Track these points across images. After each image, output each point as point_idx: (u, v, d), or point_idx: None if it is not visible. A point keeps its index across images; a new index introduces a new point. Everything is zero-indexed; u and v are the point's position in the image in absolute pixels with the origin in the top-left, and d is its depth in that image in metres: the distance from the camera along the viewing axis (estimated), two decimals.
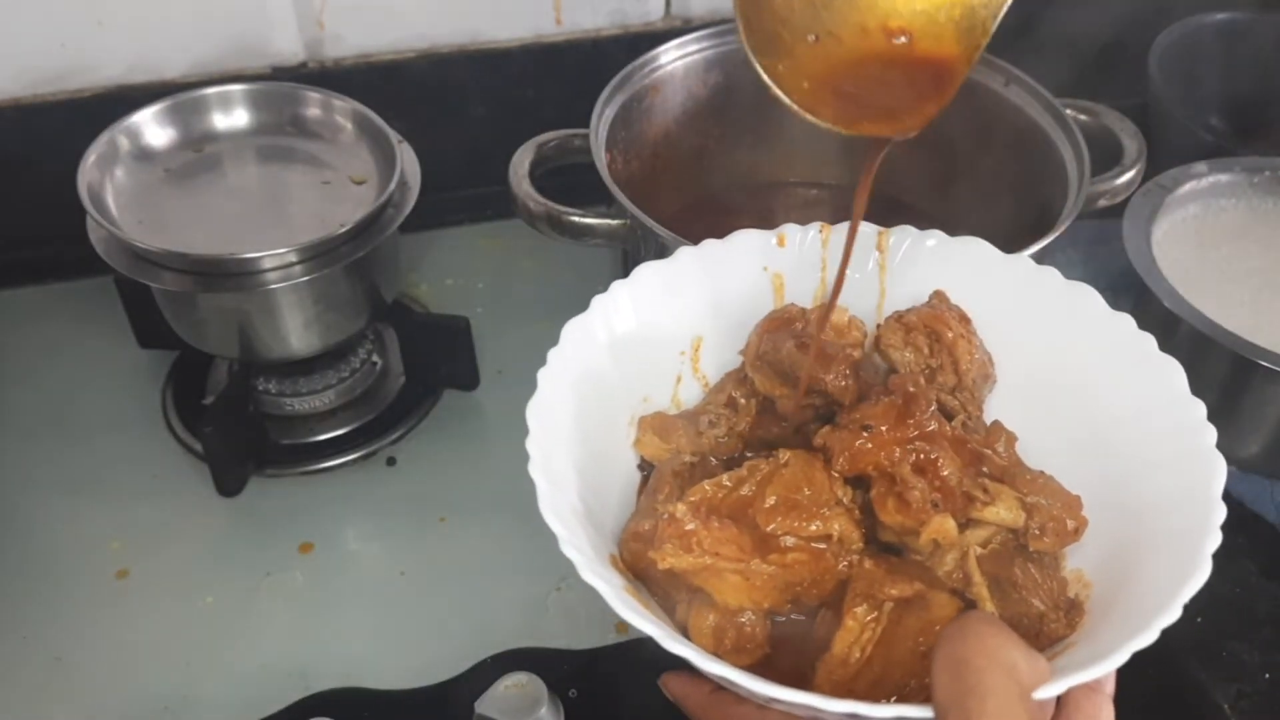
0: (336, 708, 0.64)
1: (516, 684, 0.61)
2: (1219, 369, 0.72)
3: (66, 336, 0.88)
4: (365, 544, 0.76)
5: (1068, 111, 0.80)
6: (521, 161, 0.79)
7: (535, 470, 0.49)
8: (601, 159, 0.77)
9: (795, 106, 0.54)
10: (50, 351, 0.87)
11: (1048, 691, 0.43)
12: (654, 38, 0.89)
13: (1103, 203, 0.80)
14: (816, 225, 0.62)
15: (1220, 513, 0.49)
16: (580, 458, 0.53)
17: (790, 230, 0.62)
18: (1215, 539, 0.48)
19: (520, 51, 0.96)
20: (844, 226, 0.60)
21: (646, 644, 0.68)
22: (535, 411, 0.52)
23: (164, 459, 0.80)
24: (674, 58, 0.87)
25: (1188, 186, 0.84)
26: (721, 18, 0.96)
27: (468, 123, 0.98)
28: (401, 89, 0.95)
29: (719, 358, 0.62)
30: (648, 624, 0.45)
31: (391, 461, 0.81)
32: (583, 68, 0.91)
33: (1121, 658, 0.44)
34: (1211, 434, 0.52)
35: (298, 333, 0.76)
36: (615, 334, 0.58)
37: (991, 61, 0.82)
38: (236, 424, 0.78)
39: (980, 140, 0.84)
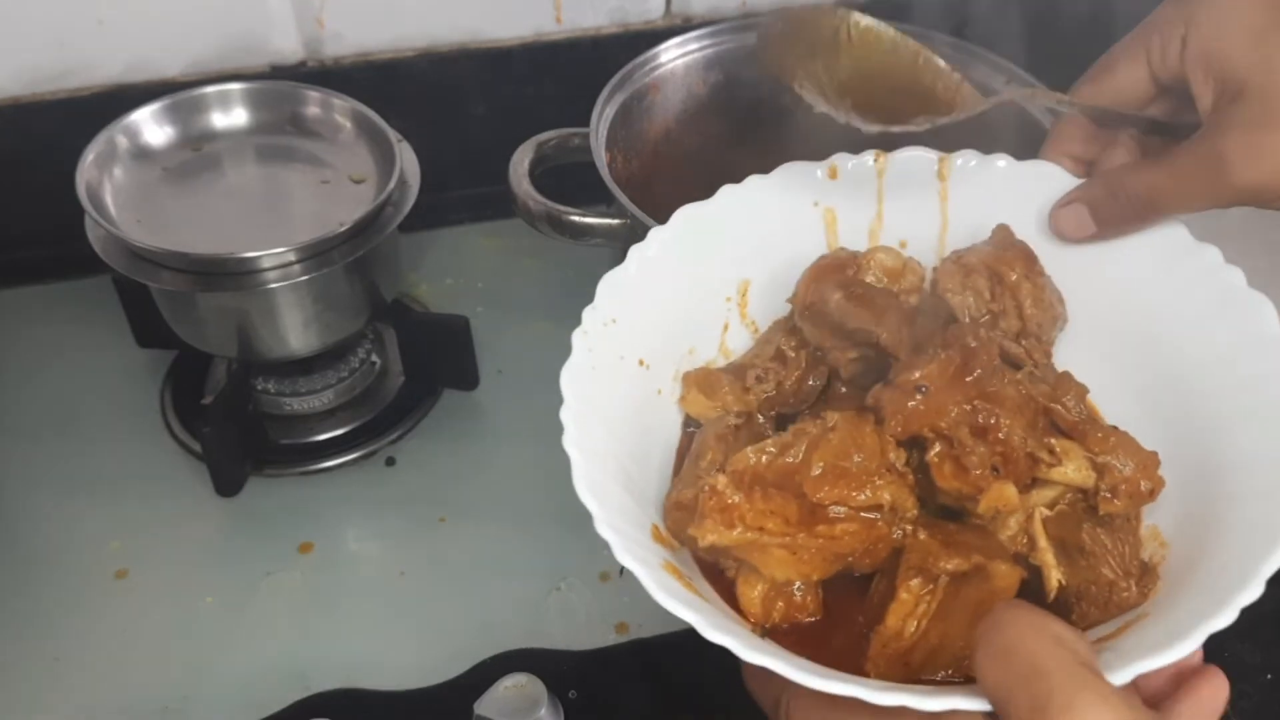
0: (336, 708, 0.64)
1: (516, 685, 0.61)
2: None
3: (65, 336, 0.88)
4: (365, 544, 0.76)
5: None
6: (521, 161, 0.79)
7: (569, 443, 0.46)
8: (601, 158, 0.77)
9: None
10: (49, 351, 0.87)
11: (1114, 679, 0.40)
12: (654, 36, 0.88)
13: None
14: (871, 153, 0.58)
15: None
16: (620, 421, 0.51)
17: (842, 160, 0.58)
18: None
19: (520, 50, 0.96)
20: (902, 153, 0.57)
21: (647, 645, 0.68)
22: (569, 378, 0.49)
23: (163, 459, 0.80)
24: (674, 56, 0.87)
25: None
26: (722, 16, 0.96)
27: (467, 122, 0.98)
28: (401, 88, 0.94)
29: (769, 301, 0.58)
30: (688, 610, 0.42)
31: (391, 461, 0.81)
32: (583, 67, 0.91)
33: (1196, 640, 0.41)
34: None
35: (297, 332, 0.76)
36: (655, 284, 0.55)
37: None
38: (235, 424, 0.78)
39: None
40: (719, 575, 0.50)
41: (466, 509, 0.77)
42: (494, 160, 0.80)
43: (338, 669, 0.68)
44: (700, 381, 0.56)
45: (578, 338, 0.51)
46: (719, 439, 0.53)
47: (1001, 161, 0.58)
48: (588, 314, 0.52)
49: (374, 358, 0.86)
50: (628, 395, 0.52)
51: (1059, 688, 0.38)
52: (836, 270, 0.56)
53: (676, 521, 0.51)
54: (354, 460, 0.80)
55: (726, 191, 0.57)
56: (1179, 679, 0.45)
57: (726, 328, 0.58)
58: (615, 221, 0.76)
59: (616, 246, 0.80)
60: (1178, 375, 0.53)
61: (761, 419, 0.55)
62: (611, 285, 0.53)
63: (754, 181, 0.58)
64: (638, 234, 0.75)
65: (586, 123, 0.79)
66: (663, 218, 0.73)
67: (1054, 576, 0.48)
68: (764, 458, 0.49)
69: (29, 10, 0.85)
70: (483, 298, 0.92)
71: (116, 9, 0.86)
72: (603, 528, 0.44)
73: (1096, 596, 0.48)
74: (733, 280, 0.58)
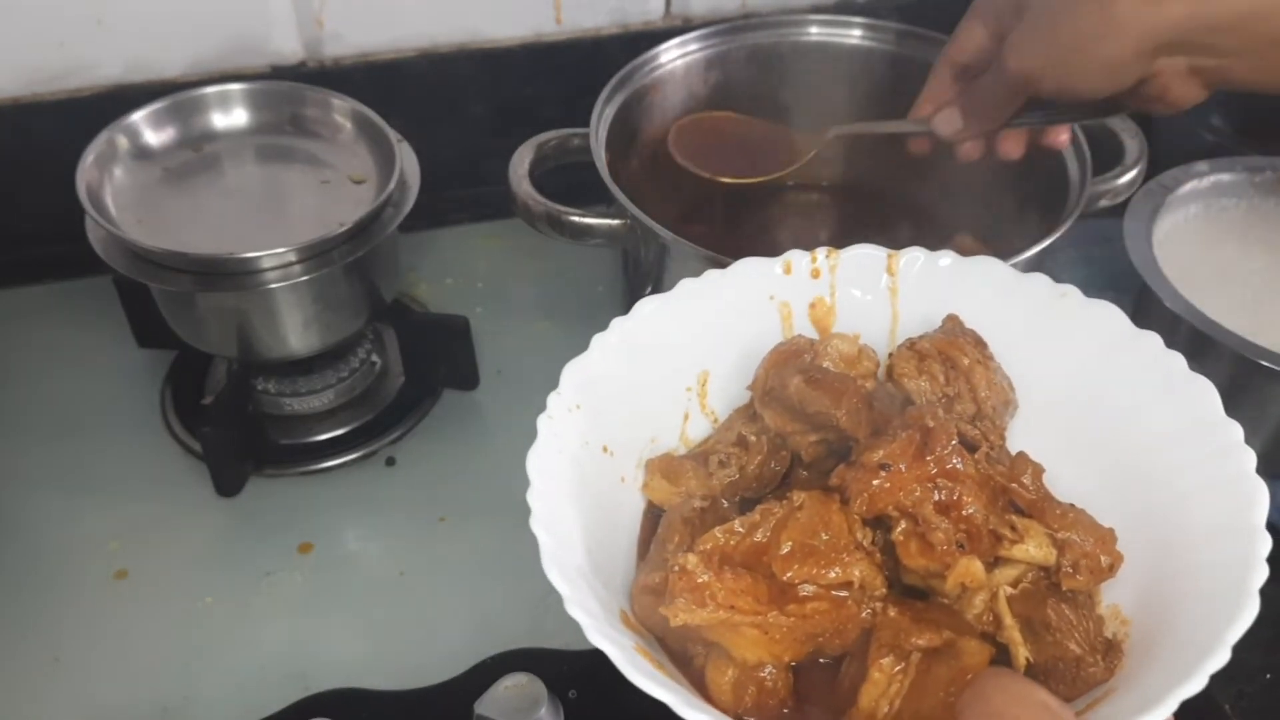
0: (336, 708, 0.64)
1: (516, 684, 0.61)
2: (1220, 369, 0.72)
3: (65, 336, 0.88)
4: (365, 544, 0.76)
5: None
6: (521, 161, 0.79)
7: (537, 525, 0.47)
8: (601, 159, 0.77)
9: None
10: (49, 351, 0.87)
11: None
12: (654, 37, 0.89)
13: (1104, 203, 0.80)
14: (824, 250, 0.60)
15: (1265, 544, 0.46)
16: (585, 507, 0.51)
17: (795, 256, 0.60)
18: (1261, 573, 0.45)
19: (520, 50, 0.96)
20: (852, 250, 0.59)
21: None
22: (536, 461, 0.49)
23: (163, 459, 0.80)
24: (674, 57, 0.87)
25: (1189, 186, 0.83)
26: (722, 17, 0.96)
27: (467, 122, 0.98)
28: (401, 88, 0.94)
29: (728, 392, 0.60)
30: (663, 690, 0.42)
31: (391, 461, 0.81)
32: (583, 67, 0.91)
33: (1169, 708, 0.41)
34: (1250, 458, 0.49)
35: (297, 332, 0.76)
36: (617, 372, 0.55)
37: None
38: (235, 424, 0.78)
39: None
40: (688, 665, 0.50)
41: (466, 509, 0.77)
42: (494, 160, 0.80)
43: (338, 669, 0.68)
44: (663, 468, 0.57)
45: (543, 422, 0.51)
46: (685, 522, 0.54)
47: (946, 259, 0.59)
48: (552, 399, 0.52)
49: (374, 358, 0.86)
50: (592, 481, 0.53)
51: None
52: (795, 356, 0.57)
53: (644, 606, 0.51)
54: (354, 460, 0.80)
55: (685, 284, 0.58)
56: None
57: (687, 417, 0.59)
58: (615, 221, 0.76)
59: (616, 247, 0.80)
60: (1128, 456, 0.54)
61: (726, 503, 0.56)
62: (575, 372, 0.53)
63: (711, 275, 0.59)
64: (638, 234, 0.75)
65: (586, 123, 0.79)
66: (663, 218, 0.73)
67: (1021, 654, 0.48)
68: (732, 538, 0.49)
69: (29, 10, 0.85)
70: (483, 298, 0.92)
71: (116, 9, 0.86)
72: (574, 609, 0.44)
73: (1064, 673, 0.49)
74: (692, 370, 0.59)
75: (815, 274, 0.60)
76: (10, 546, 0.75)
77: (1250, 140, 0.91)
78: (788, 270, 0.59)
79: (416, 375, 0.85)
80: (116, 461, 0.80)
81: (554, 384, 0.52)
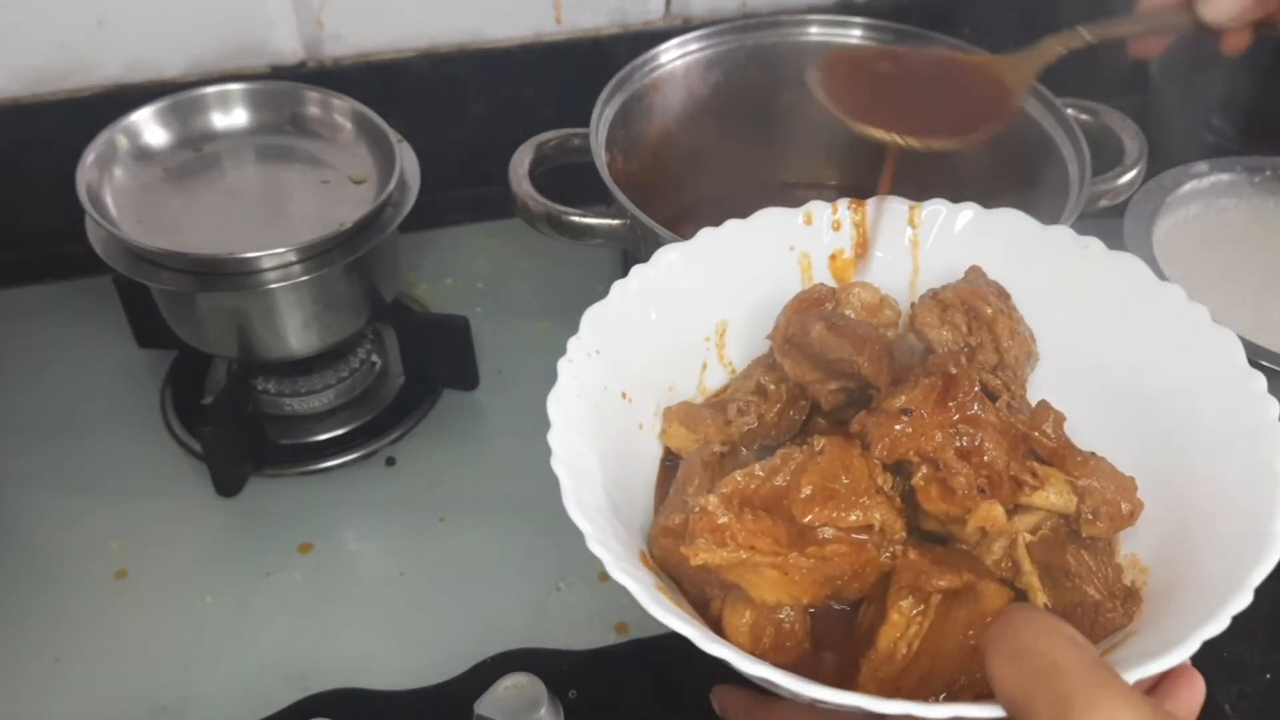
0: (336, 708, 0.64)
1: (516, 684, 0.61)
2: None
3: (65, 336, 0.88)
4: (365, 544, 0.76)
5: (1068, 111, 0.80)
6: (521, 161, 0.79)
7: (558, 465, 0.47)
8: (601, 158, 0.77)
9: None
10: (49, 351, 0.87)
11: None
12: (654, 36, 0.89)
13: (1104, 203, 0.80)
14: (845, 201, 0.60)
15: None
16: (604, 451, 0.51)
17: (816, 208, 0.60)
18: None
19: (520, 50, 0.96)
20: (875, 201, 0.59)
21: (647, 645, 0.68)
22: (557, 403, 0.49)
23: (163, 459, 0.80)
24: (674, 57, 0.87)
25: (1189, 186, 0.83)
26: (722, 17, 0.96)
27: (467, 122, 0.98)
28: (401, 88, 0.94)
29: (746, 343, 0.60)
30: (683, 624, 0.42)
31: (391, 461, 0.81)
32: (583, 67, 0.91)
33: (1191, 647, 0.41)
34: (1274, 407, 0.49)
35: (297, 332, 0.76)
36: (637, 320, 0.56)
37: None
38: (235, 424, 0.78)
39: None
40: (704, 608, 0.50)
41: (466, 509, 0.77)
42: (494, 160, 0.80)
43: (338, 669, 0.68)
44: (682, 415, 0.57)
45: (563, 366, 0.51)
46: (705, 466, 0.54)
47: (969, 211, 0.59)
48: (573, 344, 0.52)
49: (374, 358, 0.86)
50: (611, 425, 0.53)
51: (1081, 687, 0.37)
52: (816, 304, 0.57)
53: (664, 549, 0.51)
54: (354, 460, 0.80)
55: (706, 234, 0.58)
56: (1156, 681, 0.45)
57: (705, 367, 0.59)
58: (615, 221, 0.76)
59: (616, 247, 0.80)
60: (1149, 406, 0.54)
61: (744, 451, 0.56)
62: (595, 317, 0.54)
63: (732, 225, 0.59)
64: (638, 234, 0.75)
65: (586, 123, 0.80)
66: (663, 218, 0.73)
67: (1040, 599, 0.48)
68: (752, 481, 0.49)
69: (29, 10, 0.85)
70: (483, 298, 0.92)
71: (116, 9, 0.86)
72: (595, 545, 0.44)
73: (1083, 619, 0.49)
74: (711, 320, 0.59)
75: (836, 226, 0.60)
76: (10, 546, 0.75)
77: (1250, 140, 0.91)
78: (808, 221, 0.59)
79: (416, 375, 0.85)
80: (116, 461, 0.80)
81: (554, 384, 0.52)
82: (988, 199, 0.84)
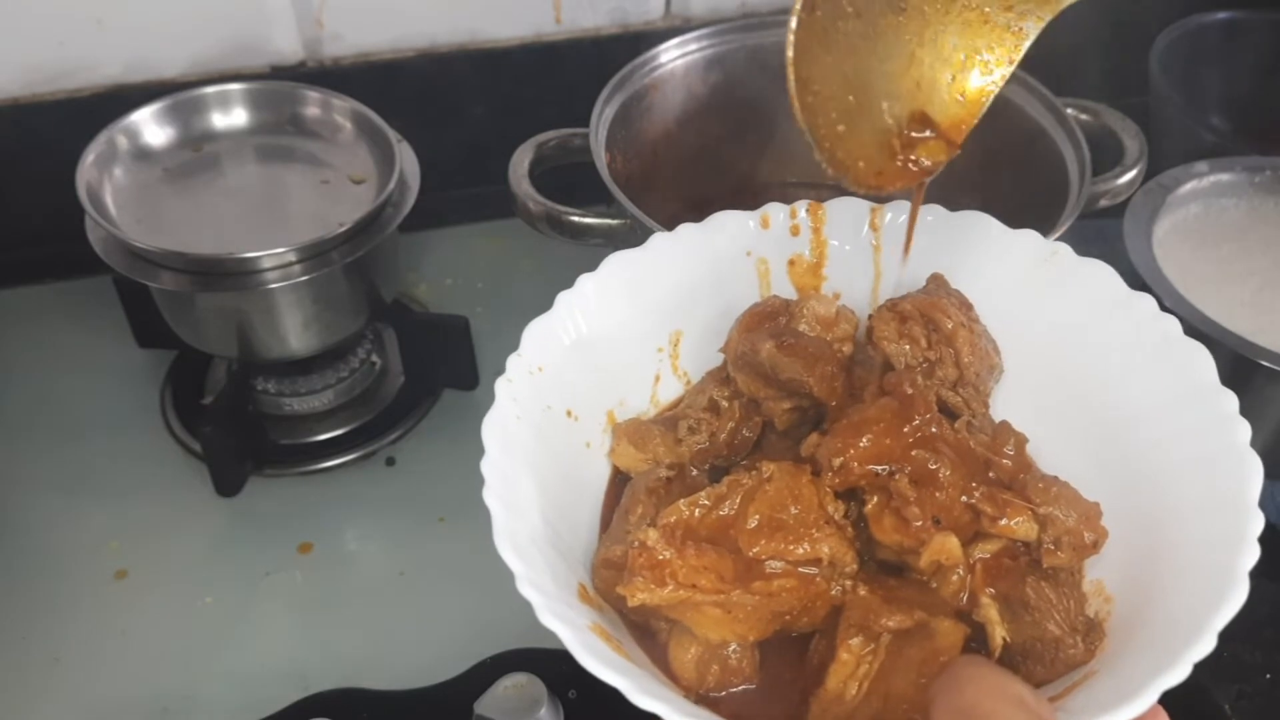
0: (336, 708, 0.64)
1: (516, 684, 0.61)
2: (1220, 369, 0.72)
3: (65, 336, 0.88)
4: (364, 544, 0.76)
5: (1068, 111, 0.80)
6: (521, 161, 0.79)
7: (490, 496, 0.44)
8: (601, 158, 0.77)
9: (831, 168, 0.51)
10: (49, 351, 0.87)
11: None
12: (654, 37, 0.88)
13: (1104, 202, 0.80)
14: (804, 203, 0.57)
15: (1257, 522, 0.43)
16: (545, 476, 0.48)
17: (773, 210, 0.56)
18: (1252, 553, 0.42)
19: (520, 50, 0.96)
20: (836, 204, 0.56)
21: None
22: (491, 427, 0.47)
23: (163, 459, 0.80)
24: (674, 57, 0.87)
25: (1189, 186, 0.83)
26: (722, 17, 0.96)
27: (467, 122, 0.98)
28: (401, 88, 0.94)
29: (701, 353, 0.57)
30: (614, 674, 0.40)
31: (391, 461, 0.81)
32: (583, 67, 0.91)
33: (1149, 699, 0.39)
34: (1245, 430, 0.46)
35: (296, 332, 0.76)
36: (584, 333, 0.53)
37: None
38: (235, 424, 0.78)
39: (980, 140, 0.83)
40: (651, 638, 0.48)
41: (466, 509, 0.77)
42: (494, 160, 0.80)
43: (338, 669, 0.68)
44: (631, 433, 0.54)
45: (501, 386, 0.49)
46: (649, 492, 0.51)
47: (931, 214, 0.56)
48: (512, 361, 0.50)
49: (374, 358, 0.86)
50: (554, 447, 0.50)
51: None
52: (768, 318, 0.54)
53: (605, 580, 0.48)
54: (354, 460, 0.80)
55: (658, 239, 0.55)
56: None
57: (658, 379, 0.56)
58: (615, 221, 0.76)
59: (616, 246, 0.80)
60: (1116, 425, 0.51)
61: (694, 471, 0.53)
62: (538, 332, 0.51)
63: (686, 230, 0.55)
64: (638, 234, 0.75)
65: (586, 123, 0.79)
66: (663, 218, 0.73)
67: (998, 634, 0.46)
68: (697, 510, 0.47)
69: (29, 10, 0.85)
70: (483, 298, 0.92)
71: (116, 9, 0.86)
72: (525, 587, 0.42)
73: (1042, 654, 0.47)
74: (664, 330, 0.56)
75: (795, 230, 0.57)
76: (10, 546, 0.75)
77: (1250, 140, 0.91)
78: (764, 224, 0.56)
79: (416, 375, 0.85)
80: (116, 461, 0.80)
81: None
82: (988, 199, 0.84)
